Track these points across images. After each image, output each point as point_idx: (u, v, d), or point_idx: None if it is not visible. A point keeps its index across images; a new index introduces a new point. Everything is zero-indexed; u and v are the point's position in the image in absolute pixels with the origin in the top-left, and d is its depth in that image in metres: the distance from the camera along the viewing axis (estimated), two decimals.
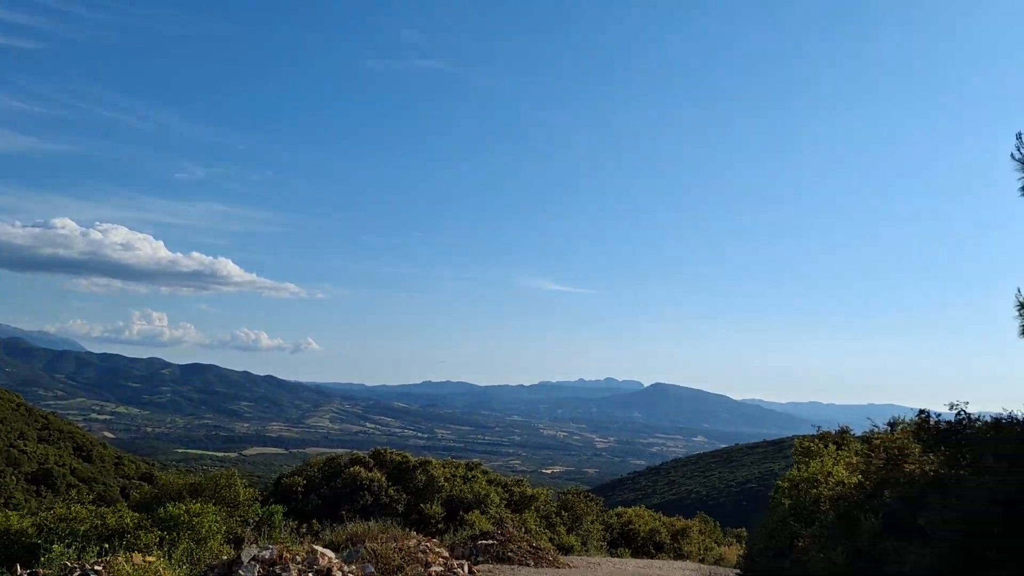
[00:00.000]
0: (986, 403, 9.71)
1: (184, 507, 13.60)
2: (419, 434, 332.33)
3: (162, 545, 12.45)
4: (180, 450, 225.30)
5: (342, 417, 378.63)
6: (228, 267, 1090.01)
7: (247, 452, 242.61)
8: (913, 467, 10.03)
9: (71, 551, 10.85)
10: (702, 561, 26.47)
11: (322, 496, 23.63)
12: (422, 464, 25.74)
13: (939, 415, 10.39)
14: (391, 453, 26.17)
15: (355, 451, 28.65)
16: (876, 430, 13.24)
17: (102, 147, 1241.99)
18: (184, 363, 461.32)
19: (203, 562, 12.28)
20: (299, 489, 23.91)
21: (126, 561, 9.87)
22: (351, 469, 24.46)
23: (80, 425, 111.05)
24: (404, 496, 24.04)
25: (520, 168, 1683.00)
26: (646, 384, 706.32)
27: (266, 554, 12.85)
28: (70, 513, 13.04)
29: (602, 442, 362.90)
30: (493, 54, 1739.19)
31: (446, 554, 16.24)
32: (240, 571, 12.55)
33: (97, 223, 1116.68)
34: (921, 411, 10.66)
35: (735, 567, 19.43)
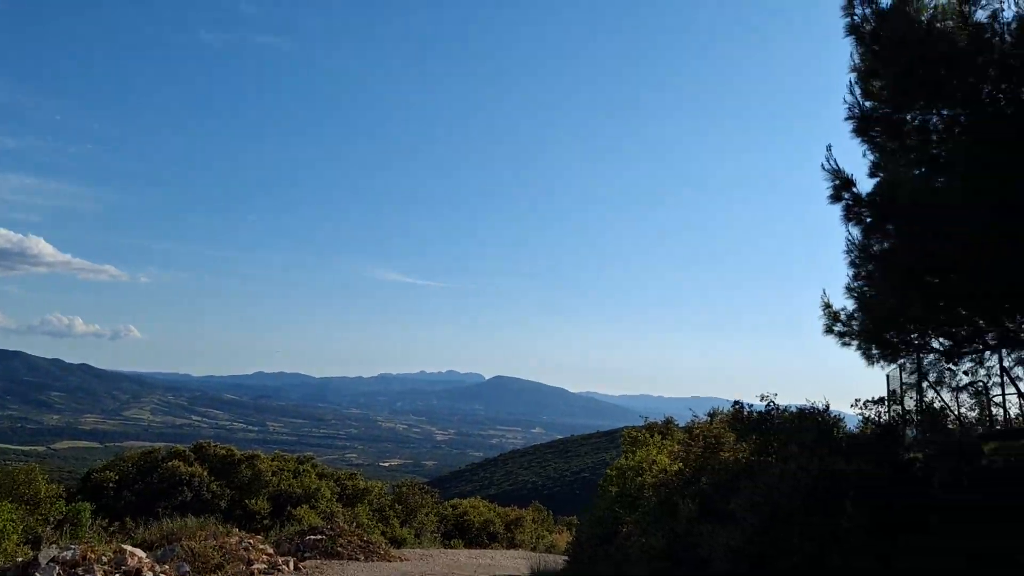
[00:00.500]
0: (794, 395, 10.47)
1: None
2: (249, 427, 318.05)
3: None
4: None
5: (165, 409, 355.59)
6: (40, 246, 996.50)
7: (57, 446, 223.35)
8: (727, 455, 10.66)
9: None
10: (534, 549, 27.12)
11: (136, 492, 22.03)
12: (248, 458, 24.67)
13: (752, 406, 11.10)
14: (215, 447, 24.83)
15: (176, 445, 26.89)
16: (697, 420, 14.02)
17: None
18: None
19: None
20: (111, 485, 22.17)
21: None
22: (169, 463, 22.99)
23: None
24: (228, 492, 22.91)
25: (365, 154, 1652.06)
26: (488, 377, 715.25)
27: (68, 555, 11.81)
28: None
29: (442, 434, 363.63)
30: (337, 32, 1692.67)
31: (271, 551, 15.58)
32: (37, 573, 11.47)
33: None
34: (736, 402, 11.36)
35: (564, 553, 19.98)
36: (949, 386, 10.90)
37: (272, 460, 25.53)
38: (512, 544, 28.96)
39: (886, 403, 9.74)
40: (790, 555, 7.94)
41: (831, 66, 11.17)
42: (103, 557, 11.88)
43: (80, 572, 11.50)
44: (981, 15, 9.24)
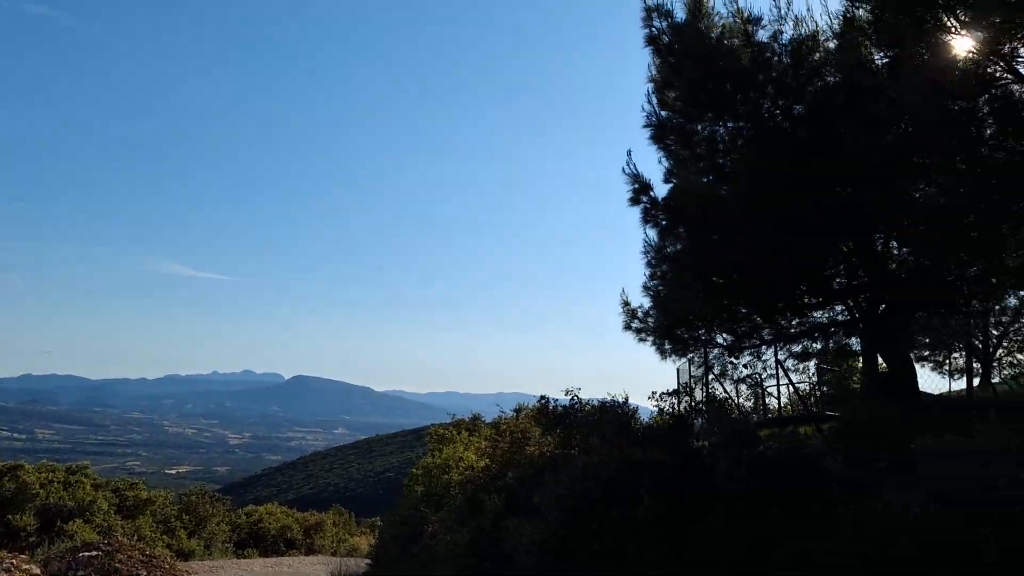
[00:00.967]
0: (598, 389, 10.86)
1: None
2: (15, 435, 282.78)
3: None
4: None
5: None
6: None
7: None
8: (533, 449, 10.81)
9: None
10: (334, 553, 26.50)
11: None
12: (11, 469, 21.94)
13: (557, 401, 11.37)
14: None
15: None
16: (504, 416, 14.17)
17: None
18: None
19: None
20: None
21: None
22: None
23: None
24: None
25: (143, 134, 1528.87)
26: (287, 376, 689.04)
27: None
28: None
29: (236, 438, 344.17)
30: (109, 3, 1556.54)
31: (37, 571, 13.96)
32: None
33: None
34: (542, 397, 11.58)
35: (367, 556, 19.52)
36: (731, 378, 11.84)
37: (39, 471, 22.85)
38: (311, 550, 28.11)
39: (678, 395, 10.35)
40: (591, 547, 8.14)
41: (637, 73, 11.65)
42: None
43: None
44: (763, 35, 10.02)
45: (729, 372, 11.97)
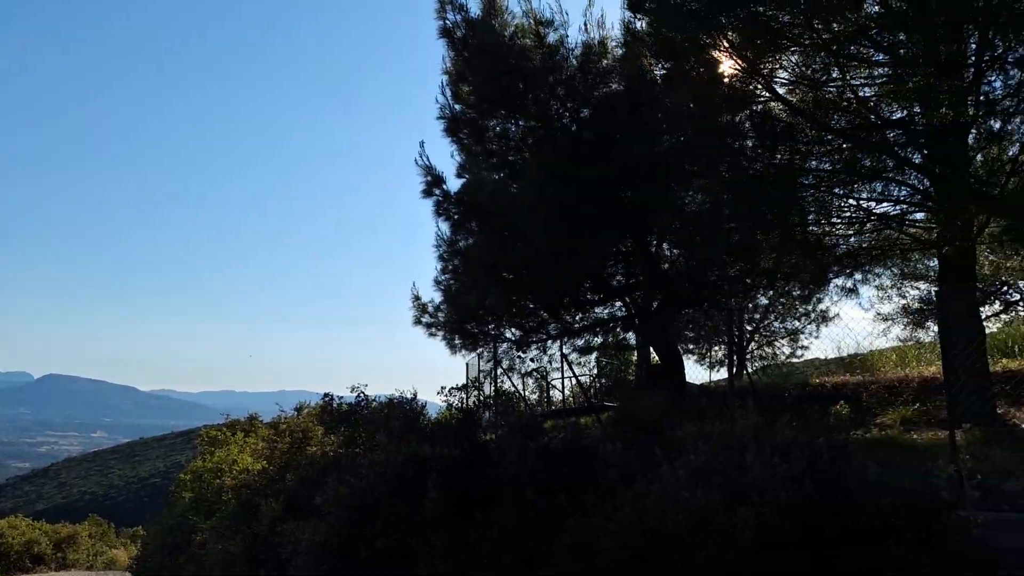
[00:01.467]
0: (388, 385, 10.59)
1: None
2: None
3: None
4: None
5: None
6: None
7: None
8: (315, 449, 10.33)
9: None
10: (90, 567, 24.52)
11: None
12: None
13: (342, 398, 10.95)
14: None
15: None
16: (284, 415, 13.42)
17: None
18: None
19: None
20: None
21: None
22: None
23: None
24: None
25: None
26: (37, 376, 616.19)
27: None
28: None
29: None
30: None
31: None
32: None
33: None
34: (325, 394, 11.09)
35: (127, 569, 17.99)
36: (519, 372, 12.08)
37: None
38: (64, 565, 25.73)
39: (467, 390, 10.36)
40: (375, 545, 7.89)
41: (435, 60, 11.50)
42: None
43: None
44: (554, 37, 10.29)
45: (517, 366, 12.22)
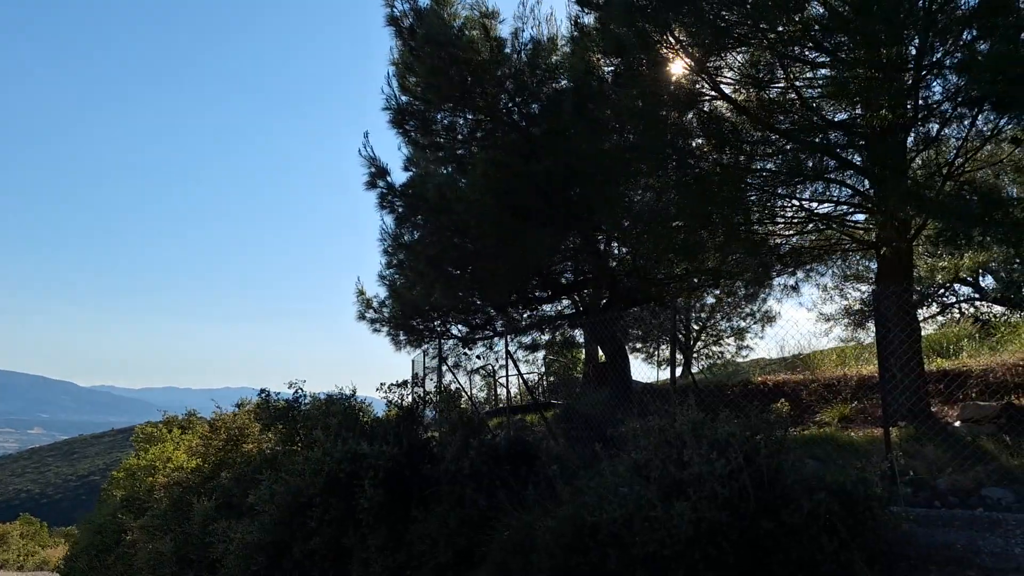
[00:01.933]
0: (328, 381, 10.34)
1: None
2: None
3: None
4: None
5: None
6: None
7: None
8: (251, 447, 10.04)
9: None
10: (21, 568, 23.68)
11: None
12: None
13: (279, 394, 10.65)
14: None
15: None
16: (221, 412, 13.05)
17: None
18: None
19: None
20: None
21: None
22: None
23: None
24: None
25: None
26: None
27: None
28: None
29: None
30: None
31: None
32: None
33: None
34: (262, 390, 10.76)
35: (55, 570, 17.42)
36: (465, 369, 11.94)
37: None
38: None
39: (409, 386, 10.16)
40: (309, 542, 7.69)
41: (381, 50, 11.28)
42: None
43: None
44: (504, 30, 10.15)
45: (463, 363, 12.09)
